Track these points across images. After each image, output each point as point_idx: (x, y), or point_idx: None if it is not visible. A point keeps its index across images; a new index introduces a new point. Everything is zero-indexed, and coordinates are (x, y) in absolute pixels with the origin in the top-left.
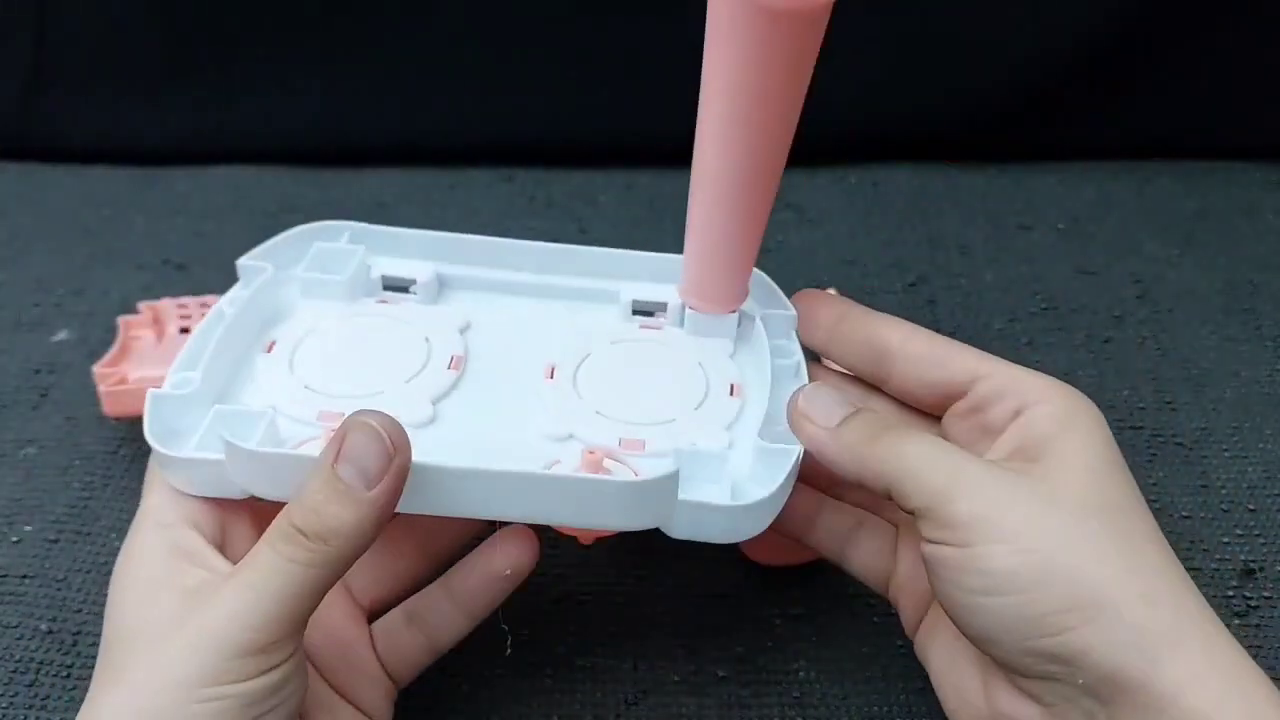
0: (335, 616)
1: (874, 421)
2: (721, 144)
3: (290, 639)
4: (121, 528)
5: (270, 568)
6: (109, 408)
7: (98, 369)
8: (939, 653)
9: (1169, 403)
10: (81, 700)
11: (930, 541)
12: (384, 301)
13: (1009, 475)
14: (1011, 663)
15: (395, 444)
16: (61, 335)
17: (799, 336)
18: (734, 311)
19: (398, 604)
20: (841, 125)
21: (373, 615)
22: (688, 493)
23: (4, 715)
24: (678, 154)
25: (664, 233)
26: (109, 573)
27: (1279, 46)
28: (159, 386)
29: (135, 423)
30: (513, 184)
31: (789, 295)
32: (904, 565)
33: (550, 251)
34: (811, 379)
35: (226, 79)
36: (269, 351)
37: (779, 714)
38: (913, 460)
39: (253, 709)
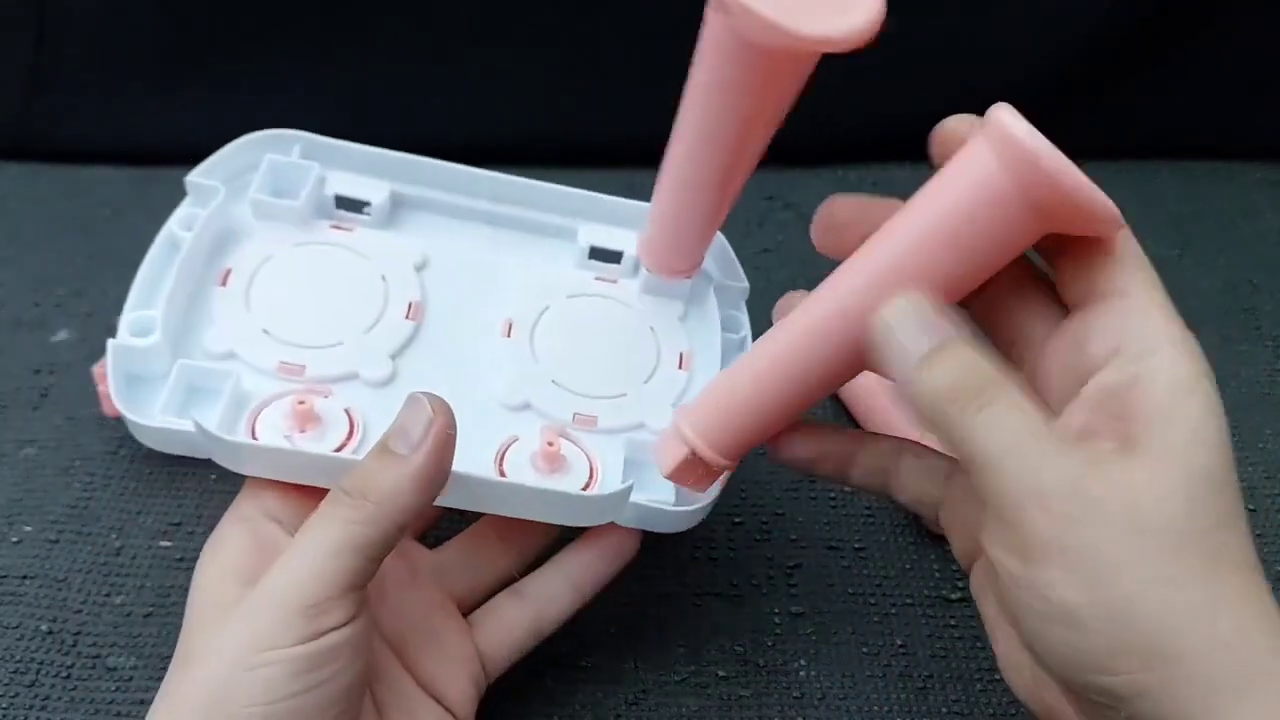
0: (424, 603)
1: (965, 370)
2: (694, 139)
3: (340, 602)
4: (122, 527)
5: (319, 527)
6: (109, 408)
7: (98, 369)
8: (992, 606)
9: None
10: (81, 700)
11: (995, 545)
12: (338, 226)
13: (1097, 485)
14: (1061, 681)
15: (437, 408)
16: (61, 335)
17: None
18: (689, 277)
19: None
20: (841, 125)
21: (466, 610)
22: (639, 493)
23: (4, 715)
24: None
25: None
26: (109, 573)
27: (1278, 46)
28: None
29: None
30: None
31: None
32: (955, 495)
33: (509, 184)
34: None
35: (227, 79)
36: (224, 284)
37: (779, 714)
38: (996, 448)
39: (301, 678)
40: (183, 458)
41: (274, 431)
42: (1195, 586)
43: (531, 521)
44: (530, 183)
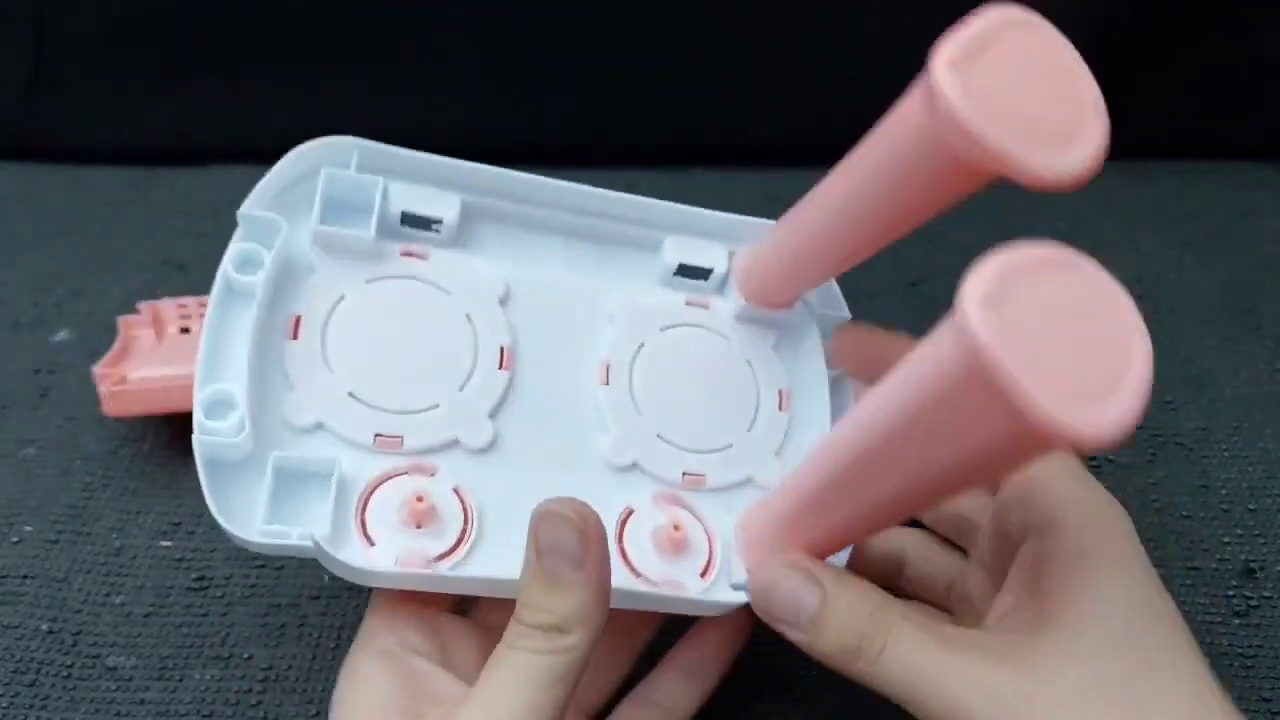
0: None
1: (849, 621)
2: (865, 188)
3: None
4: (122, 527)
5: (517, 664)
6: (109, 408)
7: (98, 369)
8: None
9: (1169, 403)
10: (81, 700)
11: None
12: (409, 252)
13: (984, 707)
14: None
15: (581, 515)
16: (61, 335)
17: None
18: (789, 309)
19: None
20: (842, 125)
21: None
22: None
23: (4, 715)
24: (677, 154)
25: None
26: (109, 572)
27: (1278, 46)
28: (158, 388)
29: (135, 423)
30: None
31: None
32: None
33: (589, 196)
34: None
35: (226, 79)
36: (295, 337)
37: (779, 713)
38: (898, 689)
39: None
40: (185, 459)
41: (389, 531)
42: None
43: (640, 616)
44: (609, 194)
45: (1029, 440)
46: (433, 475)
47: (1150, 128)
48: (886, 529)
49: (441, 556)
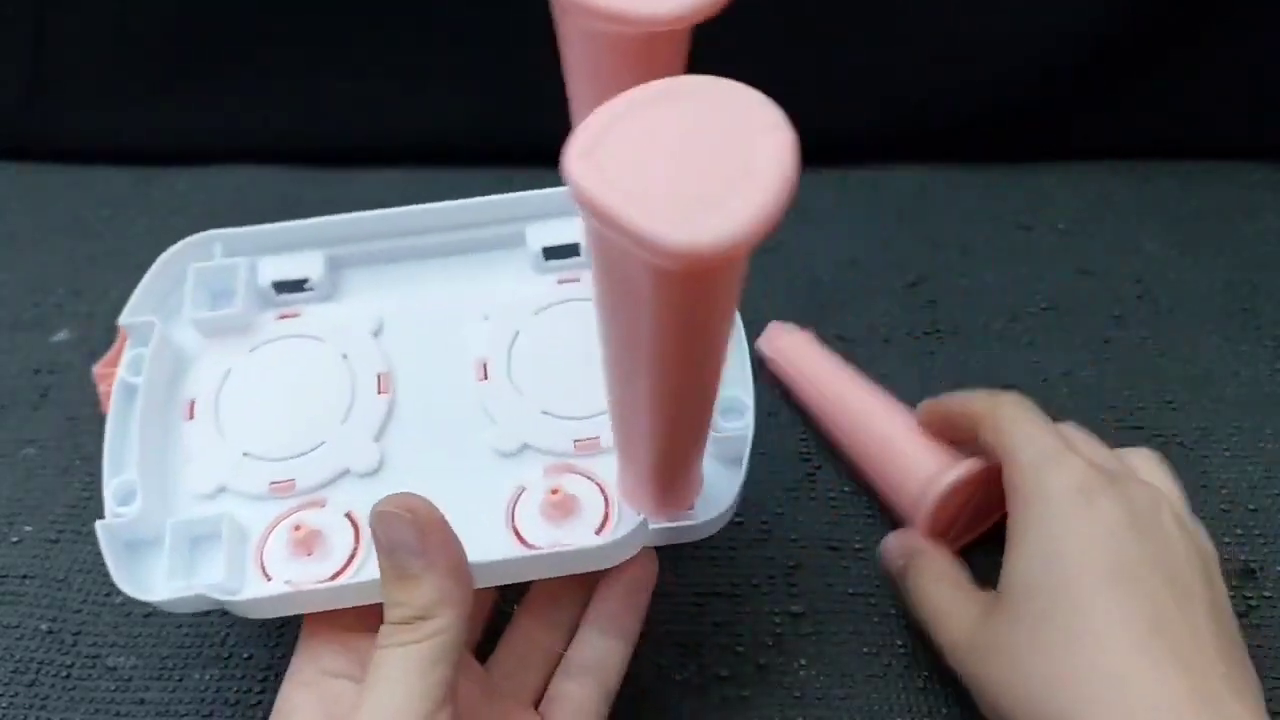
0: (505, 718)
1: (914, 574)
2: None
3: (438, 712)
4: None
5: (392, 660)
6: (109, 408)
7: (98, 369)
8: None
9: (1169, 403)
10: (81, 700)
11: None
12: (285, 314)
13: (975, 636)
14: None
15: (411, 508)
16: (61, 335)
17: None
18: None
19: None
20: (841, 125)
21: (539, 702)
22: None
23: (4, 715)
24: None
25: None
26: (109, 572)
27: (1278, 46)
28: None
29: None
30: (513, 184)
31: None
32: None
33: (441, 211)
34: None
35: (226, 79)
36: (191, 417)
37: (779, 713)
38: (928, 611)
39: None
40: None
41: (282, 564)
42: (1049, 683)
43: (563, 589)
44: (462, 203)
45: (666, 270)
46: (323, 507)
47: (1150, 128)
48: (696, 440)
49: (333, 577)
